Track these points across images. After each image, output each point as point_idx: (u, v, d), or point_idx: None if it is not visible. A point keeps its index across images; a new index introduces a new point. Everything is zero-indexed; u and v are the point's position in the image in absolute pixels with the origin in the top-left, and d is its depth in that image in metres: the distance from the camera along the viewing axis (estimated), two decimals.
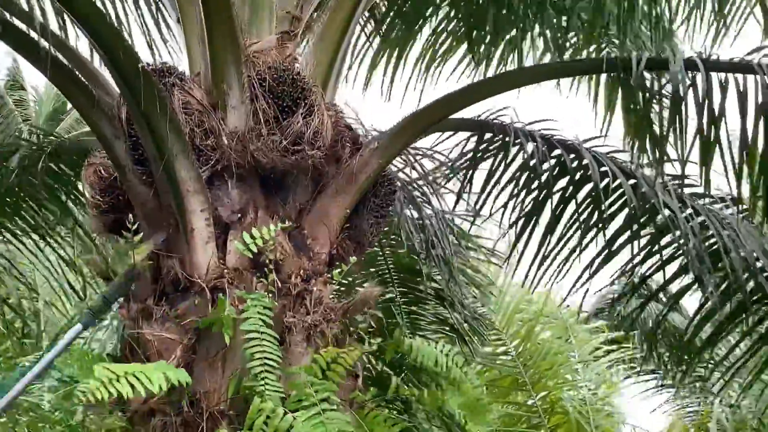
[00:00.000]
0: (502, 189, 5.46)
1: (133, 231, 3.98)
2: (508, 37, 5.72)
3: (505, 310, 9.50)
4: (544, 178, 5.11)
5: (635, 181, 4.84)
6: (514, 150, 5.16)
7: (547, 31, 5.32)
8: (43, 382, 4.80)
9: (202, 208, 4.19)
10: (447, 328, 7.26)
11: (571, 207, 5.25)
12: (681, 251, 5.00)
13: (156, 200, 4.33)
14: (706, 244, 4.90)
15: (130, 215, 4.13)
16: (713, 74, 4.16)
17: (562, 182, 5.24)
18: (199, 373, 4.02)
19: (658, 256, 5.05)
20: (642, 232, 5.14)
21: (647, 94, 4.28)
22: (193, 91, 4.40)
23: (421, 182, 6.31)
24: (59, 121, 14.91)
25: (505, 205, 5.39)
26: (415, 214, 6.45)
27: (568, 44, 5.39)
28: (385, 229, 6.54)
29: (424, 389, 4.85)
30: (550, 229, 5.38)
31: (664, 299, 6.20)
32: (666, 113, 4.27)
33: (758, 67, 4.16)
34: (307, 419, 3.69)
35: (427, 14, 6.15)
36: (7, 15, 4.09)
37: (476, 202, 5.57)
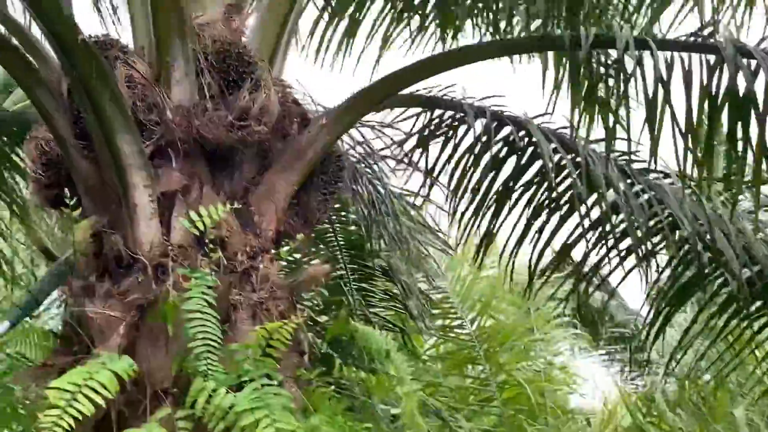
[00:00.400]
0: (455, 166, 5.48)
1: (72, 206, 3.93)
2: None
3: (461, 283, 9.53)
4: (494, 152, 5.16)
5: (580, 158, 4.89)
6: (464, 126, 5.19)
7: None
8: None
9: (145, 184, 4.14)
10: (397, 305, 7.33)
11: (522, 183, 5.31)
12: (632, 227, 5.04)
13: (98, 175, 4.28)
14: (652, 222, 4.99)
15: (67, 190, 4.09)
16: (660, 53, 4.21)
17: (514, 159, 5.28)
18: (143, 351, 3.98)
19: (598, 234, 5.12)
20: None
21: (596, 71, 4.34)
22: (137, 65, 4.35)
23: (371, 159, 6.32)
24: (9, 93, 14.67)
25: (451, 182, 5.42)
26: (365, 191, 6.46)
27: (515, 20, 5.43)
28: (336, 206, 6.57)
29: (371, 374, 4.88)
30: (500, 205, 5.44)
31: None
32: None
33: (721, 45, 4.20)
34: (247, 396, 3.68)
35: None
36: None
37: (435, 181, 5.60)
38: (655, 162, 4.61)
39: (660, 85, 4.09)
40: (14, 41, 4.24)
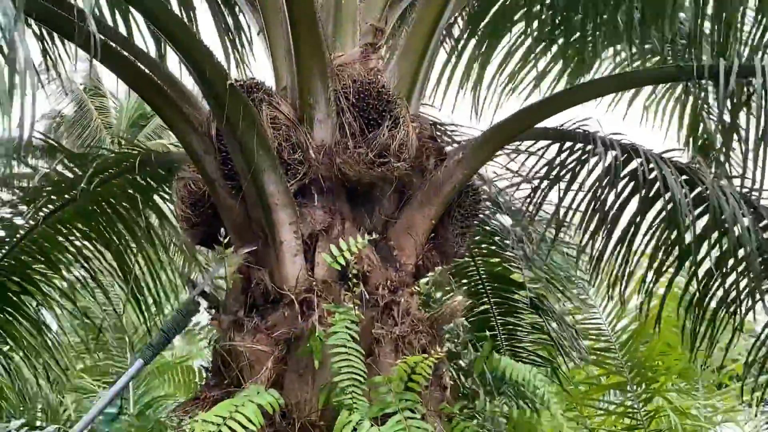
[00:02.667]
0: (585, 197, 5.73)
1: (225, 244, 4.38)
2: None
3: (614, 304, 9.45)
4: (620, 187, 5.39)
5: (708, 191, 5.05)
6: (594, 159, 5.42)
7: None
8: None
9: (290, 221, 4.57)
10: (545, 338, 7.50)
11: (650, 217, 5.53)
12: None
13: (245, 214, 4.72)
14: None
15: (223, 229, 4.57)
16: None
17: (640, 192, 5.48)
18: (290, 385, 4.39)
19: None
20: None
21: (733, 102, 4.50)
22: (280, 106, 4.77)
23: (510, 190, 6.61)
24: (140, 128, 15.67)
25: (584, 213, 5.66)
26: (508, 222, 6.76)
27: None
28: (476, 238, 6.88)
29: (514, 407, 5.08)
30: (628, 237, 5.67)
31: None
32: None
33: None
34: (391, 428, 4.01)
35: (503, 32, 6.57)
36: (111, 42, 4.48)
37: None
38: None
39: None
40: (169, 92, 4.73)
